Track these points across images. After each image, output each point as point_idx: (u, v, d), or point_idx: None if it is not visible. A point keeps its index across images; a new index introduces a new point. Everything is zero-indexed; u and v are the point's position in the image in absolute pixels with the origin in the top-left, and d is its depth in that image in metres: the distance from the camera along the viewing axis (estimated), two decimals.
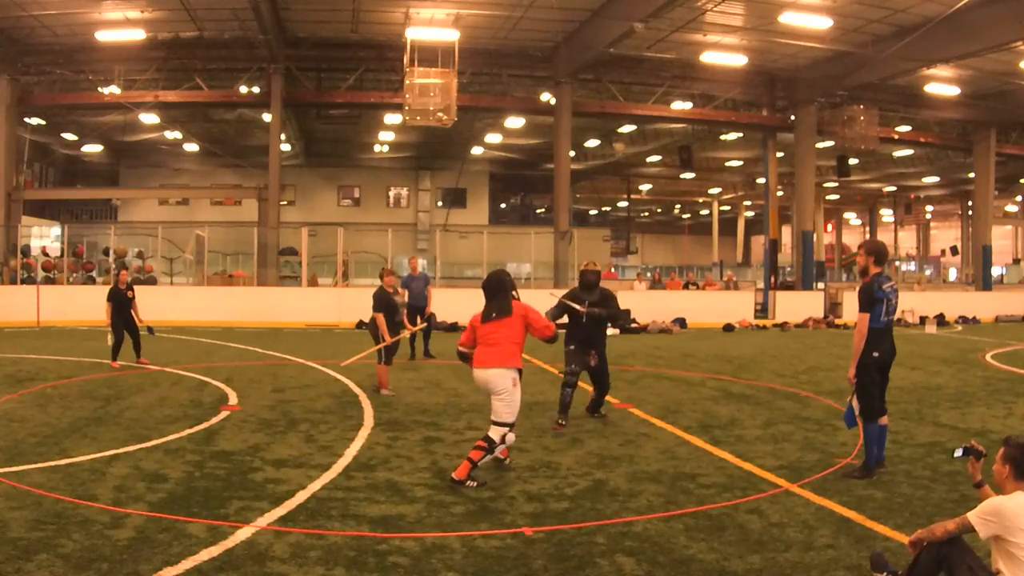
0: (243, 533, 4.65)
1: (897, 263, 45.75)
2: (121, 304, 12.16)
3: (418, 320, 13.63)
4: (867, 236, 55.85)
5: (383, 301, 9.84)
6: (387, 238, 24.20)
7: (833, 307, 24.77)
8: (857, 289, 6.21)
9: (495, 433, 5.96)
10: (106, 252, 24.09)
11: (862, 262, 6.21)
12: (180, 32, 22.01)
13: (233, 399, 9.18)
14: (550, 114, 25.59)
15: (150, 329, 12.67)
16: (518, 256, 25.40)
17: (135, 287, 12.85)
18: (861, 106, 25.72)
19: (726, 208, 55.59)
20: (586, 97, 25.91)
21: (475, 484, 5.72)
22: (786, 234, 35.60)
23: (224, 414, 8.26)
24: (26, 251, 23.17)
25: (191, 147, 34.70)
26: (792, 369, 12.79)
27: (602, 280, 8.62)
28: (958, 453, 4.03)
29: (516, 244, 26.62)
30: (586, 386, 8.80)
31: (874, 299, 6.06)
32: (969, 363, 13.85)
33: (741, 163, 40.39)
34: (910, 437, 7.54)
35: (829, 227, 54.97)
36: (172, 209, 39.24)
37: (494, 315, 6.28)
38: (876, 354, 6.07)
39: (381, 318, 9.66)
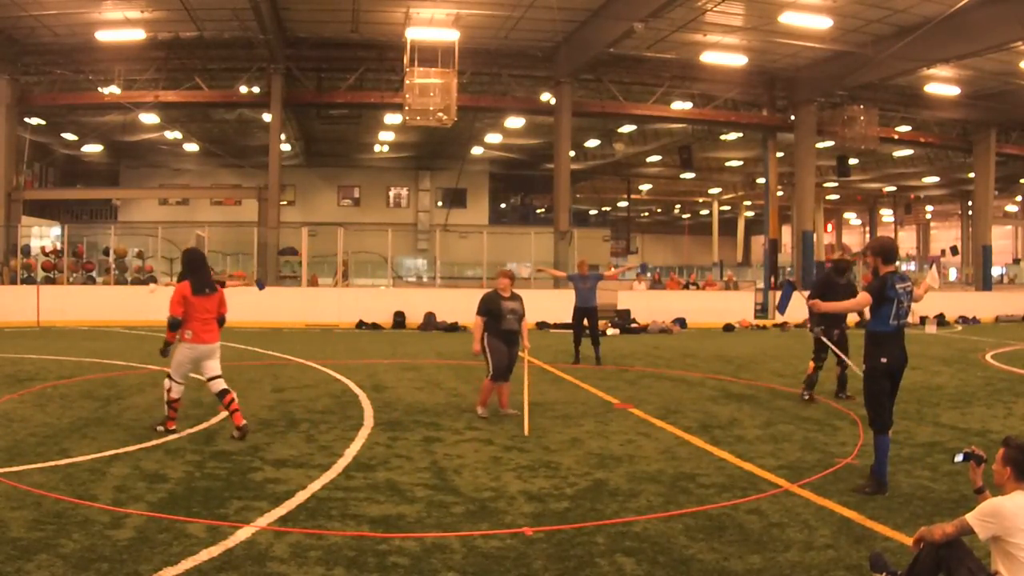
0: (243, 533, 4.65)
1: (897, 263, 45.73)
2: None
3: (584, 322, 13.02)
4: (867, 236, 55.91)
5: (487, 303, 8.51)
6: (387, 238, 24.22)
7: None
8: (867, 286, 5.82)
9: (224, 383, 7.27)
10: (106, 252, 24.07)
11: (872, 263, 5.84)
12: (180, 32, 22.03)
13: None
14: (550, 114, 25.59)
15: (260, 283, 12.92)
16: (518, 256, 25.38)
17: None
18: (861, 106, 25.73)
19: (726, 208, 55.64)
20: (586, 97, 25.91)
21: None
22: (786, 234, 35.59)
23: (224, 414, 8.24)
24: (26, 251, 23.16)
25: (191, 147, 34.72)
26: (792, 369, 12.79)
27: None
28: (958, 458, 4.00)
29: (516, 244, 26.59)
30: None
31: (884, 296, 5.59)
32: (969, 363, 13.85)
33: (741, 163, 40.41)
34: (910, 437, 7.54)
35: (829, 227, 54.99)
36: (172, 209, 39.25)
37: (207, 290, 7.28)
38: (884, 360, 5.64)
39: (479, 321, 8.47)
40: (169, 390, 7.29)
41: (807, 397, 9.61)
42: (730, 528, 4.88)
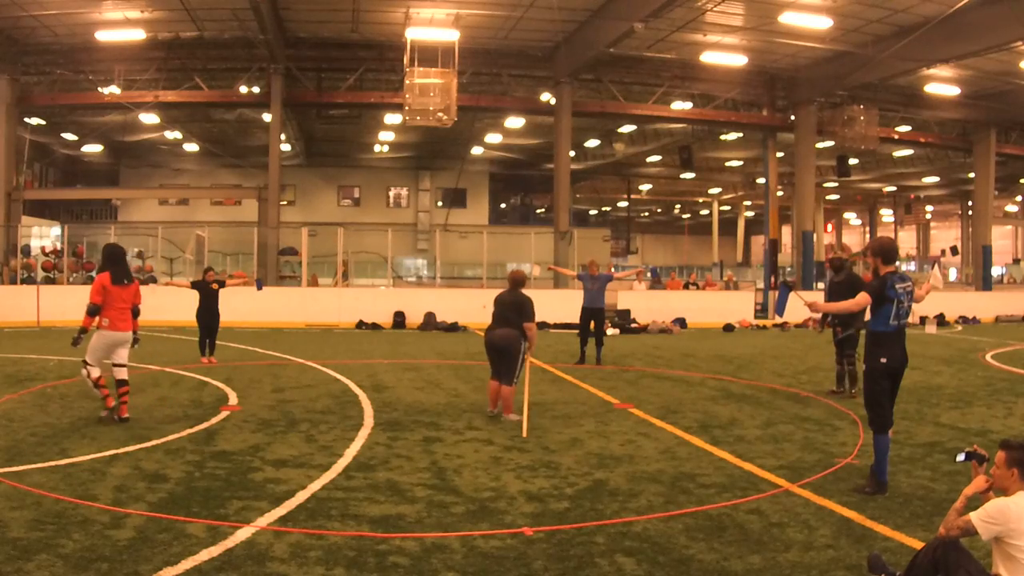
0: (243, 533, 4.64)
1: (897, 263, 45.79)
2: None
3: (591, 325, 12.83)
4: (867, 236, 55.94)
5: (534, 309, 8.42)
6: (387, 238, 24.22)
7: None
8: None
9: (126, 373, 7.80)
10: None
11: (872, 264, 5.82)
12: (180, 32, 22.03)
13: (233, 399, 9.18)
14: (550, 114, 25.59)
15: (259, 283, 14.40)
16: (518, 256, 25.38)
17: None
18: (861, 106, 25.73)
19: (726, 208, 55.63)
20: (586, 97, 25.91)
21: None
22: (786, 234, 35.62)
23: (224, 414, 8.25)
24: (26, 251, 23.15)
25: (191, 147, 34.72)
26: (792, 369, 12.79)
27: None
28: (960, 458, 3.99)
29: (516, 244, 26.60)
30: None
31: (884, 296, 5.57)
32: (969, 363, 13.84)
33: (741, 163, 40.41)
34: (910, 437, 7.54)
35: (829, 227, 54.99)
36: (172, 209, 39.28)
37: (125, 280, 7.84)
38: (884, 360, 5.62)
39: (534, 328, 8.33)
40: (88, 375, 7.75)
41: (847, 393, 9.84)
42: (730, 528, 4.88)
